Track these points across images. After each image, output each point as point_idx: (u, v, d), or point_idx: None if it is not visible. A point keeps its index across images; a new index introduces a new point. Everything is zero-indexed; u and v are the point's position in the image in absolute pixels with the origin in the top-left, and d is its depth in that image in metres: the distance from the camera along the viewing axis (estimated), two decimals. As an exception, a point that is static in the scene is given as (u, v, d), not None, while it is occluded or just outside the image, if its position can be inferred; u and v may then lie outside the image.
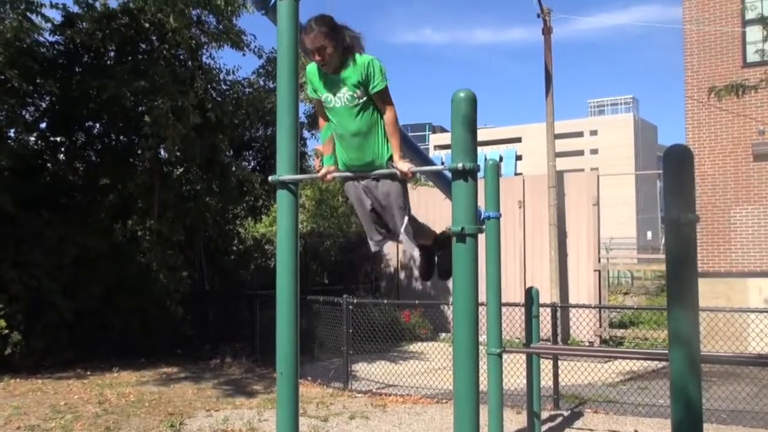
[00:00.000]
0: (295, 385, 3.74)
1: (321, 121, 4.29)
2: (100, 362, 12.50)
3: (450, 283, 3.49)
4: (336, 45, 3.89)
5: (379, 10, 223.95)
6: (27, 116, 13.24)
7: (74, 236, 12.32)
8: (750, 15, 13.93)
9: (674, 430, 3.11)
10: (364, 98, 3.98)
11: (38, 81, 12.46)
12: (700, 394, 3.08)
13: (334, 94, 4.03)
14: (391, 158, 4.05)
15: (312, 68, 4.14)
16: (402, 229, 4.16)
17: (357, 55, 3.98)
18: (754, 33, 13.81)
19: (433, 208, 16.53)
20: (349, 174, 4.16)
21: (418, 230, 4.40)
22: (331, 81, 4.02)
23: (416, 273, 17.69)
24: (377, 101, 4.01)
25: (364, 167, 4.10)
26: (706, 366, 10.38)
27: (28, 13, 12.12)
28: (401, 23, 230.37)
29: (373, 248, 4.46)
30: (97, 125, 14.12)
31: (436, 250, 4.73)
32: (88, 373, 11.76)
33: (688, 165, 3.18)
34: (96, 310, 12.79)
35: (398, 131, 4.05)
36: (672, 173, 3.16)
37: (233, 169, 14.62)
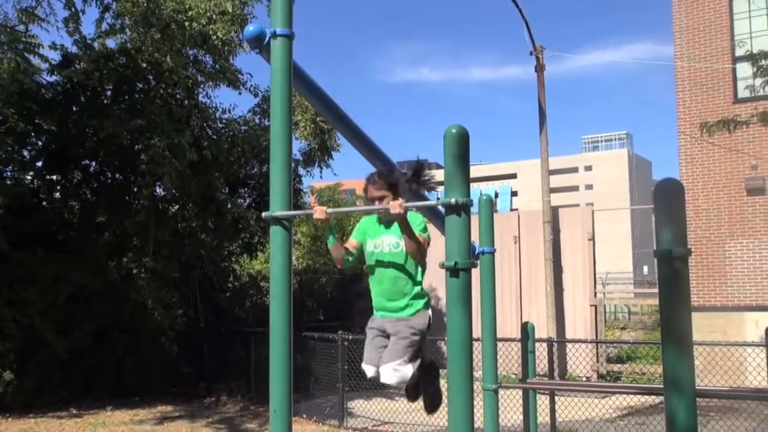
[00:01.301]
0: (288, 422, 3.70)
1: (345, 245, 4.52)
2: (94, 401, 12.38)
3: (445, 318, 3.48)
4: (395, 195, 4.25)
5: (378, 49, 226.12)
6: (24, 155, 13.29)
7: (69, 274, 12.29)
8: (739, 52, 14.09)
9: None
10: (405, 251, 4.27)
11: (36, 121, 12.54)
12: (695, 429, 3.06)
13: (380, 239, 4.37)
14: (418, 299, 4.35)
15: (368, 221, 4.54)
16: (389, 364, 4.26)
17: (411, 213, 4.26)
18: (744, 69, 13.98)
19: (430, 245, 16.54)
20: (344, 209, 4.32)
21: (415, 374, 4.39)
22: (382, 231, 4.39)
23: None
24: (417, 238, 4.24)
25: (395, 313, 4.37)
26: (704, 401, 10.31)
27: (26, 54, 12.24)
28: (400, 62, 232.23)
29: (368, 375, 4.52)
30: (93, 163, 14.17)
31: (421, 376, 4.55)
32: (81, 412, 11.65)
33: (679, 198, 3.19)
34: (90, 349, 12.71)
35: (415, 242, 4.21)
36: (663, 207, 3.17)
37: (229, 206, 14.64)
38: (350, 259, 4.49)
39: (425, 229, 4.35)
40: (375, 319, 4.52)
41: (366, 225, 4.52)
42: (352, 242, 4.54)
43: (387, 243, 4.37)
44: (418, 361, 4.35)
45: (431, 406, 4.68)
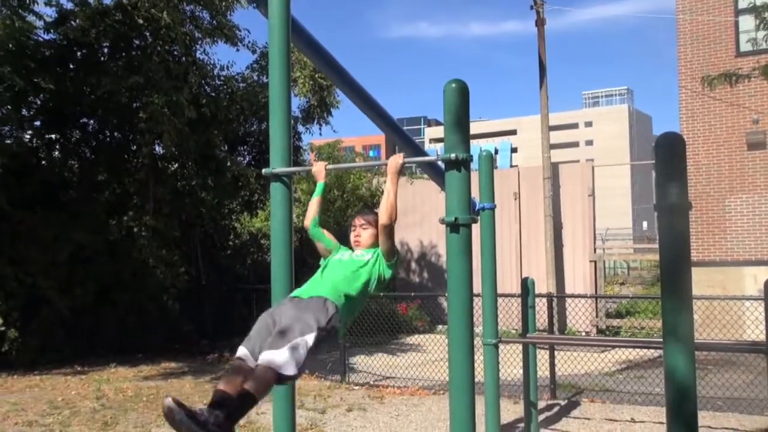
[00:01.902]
0: (291, 378, 3.73)
1: (316, 204, 4.24)
2: (98, 358, 12.50)
3: (446, 275, 3.49)
4: (375, 235, 3.92)
5: (375, 4, 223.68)
6: (23, 113, 13.22)
7: (69, 233, 12.31)
8: (742, 4, 13.93)
9: (669, 419, 3.12)
10: (367, 261, 3.89)
11: (34, 79, 12.44)
12: (694, 382, 3.09)
13: (347, 253, 4.00)
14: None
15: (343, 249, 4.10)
16: (278, 348, 3.42)
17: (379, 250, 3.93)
18: (747, 22, 13.82)
19: (429, 201, 16.57)
20: (345, 165, 4.24)
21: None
22: (350, 252, 4.00)
23: (413, 266, 17.73)
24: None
25: (309, 293, 3.75)
26: (702, 354, 10.41)
27: (20, 11, 12.10)
28: (397, 17, 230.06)
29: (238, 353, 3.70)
30: (92, 122, 14.09)
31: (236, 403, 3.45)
32: (86, 369, 11.76)
33: (680, 152, 3.18)
34: (92, 307, 12.79)
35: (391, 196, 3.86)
36: (664, 161, 3.16)
37: (228, 164, 14.60)
38: (317, 231, 4.16)
39: (398, 256, 3.99)
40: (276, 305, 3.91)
41: (342, 247, 4.12)
42: (330, 235, 4.20)
43: (349, 256, 3.98)
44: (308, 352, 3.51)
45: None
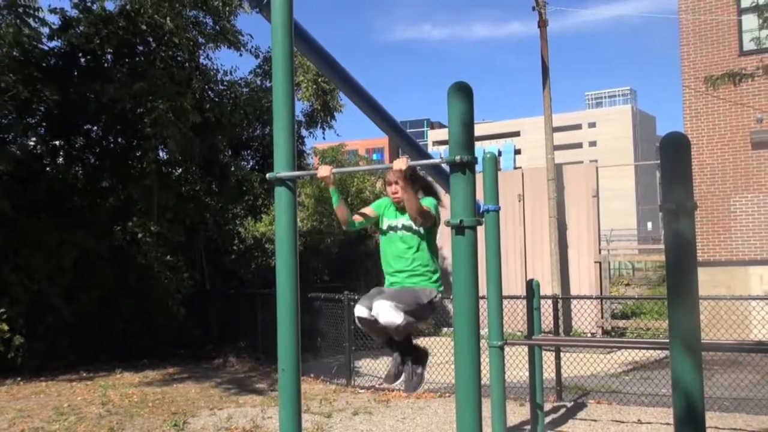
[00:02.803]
0: (297, 381, 3.73)
1: (354, 215, 4.62)
2: (103, 364, 12.51)
3: (451, 277, 3.49)
4: (408, 186, 4.18)
5: (378, 7, 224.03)
6: (27, 121, 13.25)
7: (74, 239, 12.33)
8: (745, 3, 13.91)
9: (676, 420, 3.11)
10: (420, 230, 4.41)
11: (38, 87, 12.48)
12: (701, 383, 3.08)
13: (395, 220, 4.49)
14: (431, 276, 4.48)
15: (387, 200, 4.65)
16: (383, 303, 4.24)
17: (425, 199, 4.43)
18: (750, 21, 13.80)
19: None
20: (348, 169, 4.30)
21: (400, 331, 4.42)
22: (398, 214, 4.49)
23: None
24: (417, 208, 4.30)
25: (406, 280, 4.46)
26: (708, 354, 10.38)
27: (25, 18, 12.14)
28: (401, 19, 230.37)
29: (358, 314, 4.50)
30: (96, 128, 14.12)
31: (408, 356, 4.69)
32: (91, 374, 11.77)
33: (685, 152, 3.17)
34: (97, 313, 12.81)
35: (416, 200, 4.27)
36: (669, 161, 3.15)
37: (232, 168, 14.63)
38: (358, 224, 4.60)
39: (435, 207, 4.45)
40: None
41: (385, 205, 4.62)
42: (369, 210, 4.65)
43: (400, 222, 4.48)
44: (411, 319, 4.34)
45: (411, 385, 4.76)
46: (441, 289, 4.47)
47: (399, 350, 4.62)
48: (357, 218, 4.58)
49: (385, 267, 4.57)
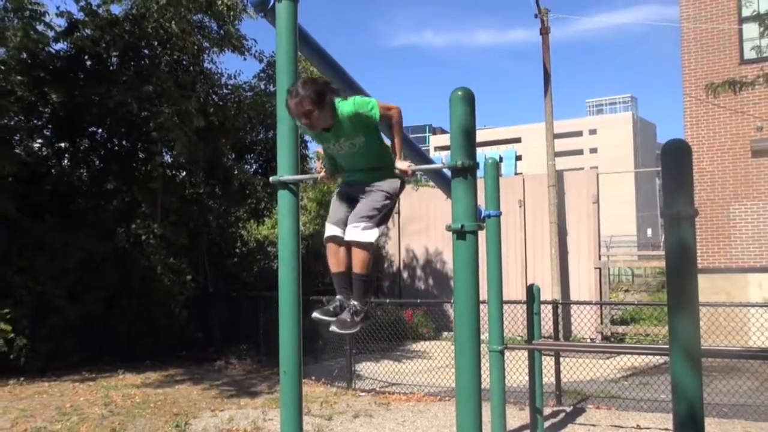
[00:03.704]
0: (298, 384, 3.73)
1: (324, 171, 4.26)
2: (106, 365, 12.51)
3: (452, 282, 3.48)
4: (322, 107, 3.74)
5: (381, 13, 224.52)
6: (33, 123, 13.27)
7: (78, 241, 12.33)
8: (746, 12, 13.92)
9: (676, 425, 3.10)
10: (364, 139, 3.92)
11: (44, 89, 12.50)
12: (700, 389, 3.07)
13: (335, 144, 3.96)
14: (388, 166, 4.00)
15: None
16: (355, 223, 3.93)
17: (341, 107, 3.85)
18: (751, 30, 13.80)
19: (434, 208, 16.57)
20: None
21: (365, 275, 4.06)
22: (330, 136, 3.93)
23: (419, 272, 17.70)
24: (381, 122, 3.93)
25: (365, 179, 4.06)
26: (708, 360, 10.37)
27: (32, 21, 12.16)
28: (403, 26, 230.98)
29: (326, 233, 4.16)
30: (100, 131, 14.13)
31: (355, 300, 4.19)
32: (94, 375, 11.76)
33: (686, 159, 3.17)
34: (101, 314, 12.80)
35: (402, 131, 4.00)
36: (670, 168, 3.15)
37: (235, 172, 14.63)
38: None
39: (369, 105, 3.87)
40: (343, 185, 4.22)
41: (317, 137, 4.08)
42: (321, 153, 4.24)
43: (343, 146, 3.97)
44: (383, 226, 4.05)
45: (345, 327, 4.21)
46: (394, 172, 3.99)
47: (348, 291, 4.21)
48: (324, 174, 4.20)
49: (346, 176, 4.18)
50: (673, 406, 3.10)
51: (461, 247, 3.32)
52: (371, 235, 3.94)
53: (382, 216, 3.99)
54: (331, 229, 4.08)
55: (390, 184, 4.01)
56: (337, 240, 4.06)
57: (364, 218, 3.93)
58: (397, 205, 4.32)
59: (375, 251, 4.84)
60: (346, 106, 3.84)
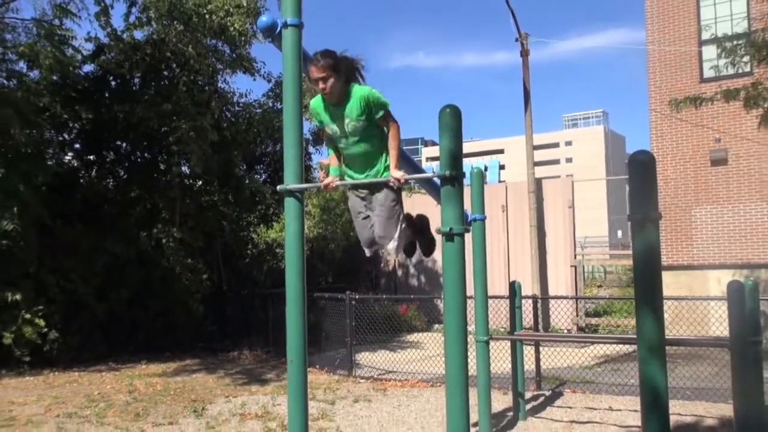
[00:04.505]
0: (304, 372, 3.74)
1: (331, 159, 4.36)
2: (130, 356, 12.48)
3: (441, 279, 3.50)
4: (338, 77, 3.92)
5: (378, 36, 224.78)
6: (64, 137, 13.28)
7: (105, 244, 12.32)
8: (705, 35, 13.96)
9: (643, 407, 3.11)
10: (367, 125, 4.02)
11: (76, 107, 12.51)
12: (665, 374, 3.08)
13: (339, 126, 4.06)
14: (388, 168, 4.08)
15: (316, 103, 4.16)
16: (391, 242, 4.20)
17: (356, 88, 3.99)
18: (710, 51, 13.84)
19: (426, 213, 16.55)
20: (348, 182, 4.20)
21: (408, 233, 4.41)
22: (335, 114, 4.06)
23: (412, 270, 17.69)
24: (382, 124, 4.05)
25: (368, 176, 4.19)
26: (672, 349, 10.38)
27: (61, 46, 12.17)
28: (398, 48, 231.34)
29: (368, 254, 4.53)
30: (125, 144, 14.12)
31: (417, 235, 4.73)
32: (119, 365, 11.74)
33: (651, 168, 3.18)
34: (126, 310, 12.78)
35: (399, 146, 4.05)
36: (636, 176, 3.17)
37: (246, 181, 14.62)
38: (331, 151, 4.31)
39: (376, 97, 3.96)
40: (351, 195, 4.33)
41: (318, 112, 4.18)
42: (326, 137, 4.30)
43: (343, 126, 4.06)
44: (405, 222, 4.28)
45: (427, 251, 4.78)
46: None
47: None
48: (333, 160, 4.27)
49: (347, 170, 4.24)
50: (641, 390, 3.11)
51: (450, 248, 3.33)
52: (402, 241, 4.26)
53: (397, 216, 4.17)
54: (368, 252, 4.47)
55: (391, 190, 4.13)
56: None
57: (392, 237, 4.17)
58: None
59: (374, 253, 5.03)
60: (361, 89, 4.00)
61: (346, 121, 4.01)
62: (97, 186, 13.61)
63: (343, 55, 4.00)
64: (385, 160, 4.09)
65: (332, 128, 4.11)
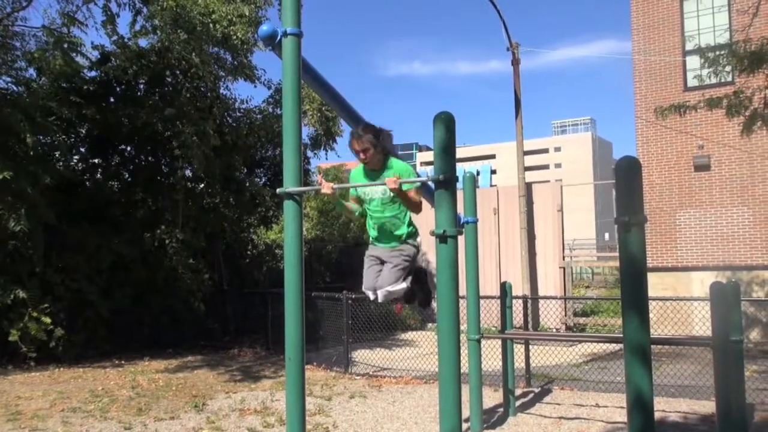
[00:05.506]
0: (302, 369, 3.73)
1: (349, 202, 4.73)
2: (134, 353, 12.44)
3: (435, 279, 3.49)
4: (376, 149, 4.35)
5: (376, 45, 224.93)
6: (71, 141, 13.24)
7: (110, 244, 12.29)
8: (689, 46, 13.99)
9: (629, 404, 3.11)
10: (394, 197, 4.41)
11: (83, 112, 12.49)
12: (650, 372, 3.08)
13: (372, 189, 4.48)
14: (410, 235, 4.56)
15: (356, 171, 4.61)
16: (385, 289, 4.49)
17: (396, 162, 4.44)
18: (693, 61, 13.89)
19: (420, 215, 16.54)
20: (347, 185, 4.34)
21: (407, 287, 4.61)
22: (371, 178, 4.45)
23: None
24: (410, 192, 4.34)
25: (390, 244, 4.57)
26: (657, 347, 10.39)
27: (69, 53, 12.15)
28: (394, 57, 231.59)
29: (371, 296, 4.69)
30: (129, 148, 14.09)
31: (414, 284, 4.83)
32: (123, 362, 11.70)
33: (637, 173, 3.19)
34: (130, 308, 12.75)
35: (417, 197, 4.37)
36: (623, 180, 3.17)
37: (247, 184, 14.61)
38: (357, 212, 4.70)
39: (412, 173, 4.45)
40: (372, 248, 4.67)
41: (355, 177, 4.60)
42: (352, 198, 4.70)
43: (375, 191, 4.47)
44: (410, 278, 4.54)
45: (425, 303, 4.95)
46: (418, 242, 4.62)
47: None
48: (356, 206, 4.67)
49: (372, 233, 4.65)
50: (627, 387, 3.11)
51: (443, 249, 3.33)
52: (399, 291, 4.50)
53: (406, 274, 4.51)
54: (369, 294, 4.67)
55: (409, 250, 4.54)
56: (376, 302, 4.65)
57: (391, 284, 4.47)
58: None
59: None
60: (401, 164, 4.47)
61: (381, 187, 4.38)
62: (103, 188, 13.58)
63: (380, 128, 4.45)
64: (408, 227, 4.52)
65: (365, 191, 4.51)
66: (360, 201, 4.63)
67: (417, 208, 4.38)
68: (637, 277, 3.10)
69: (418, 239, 4.63)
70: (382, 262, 4.57)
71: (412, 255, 4.53)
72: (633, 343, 3.07)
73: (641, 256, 3.12)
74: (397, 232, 4.51)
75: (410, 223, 4.55)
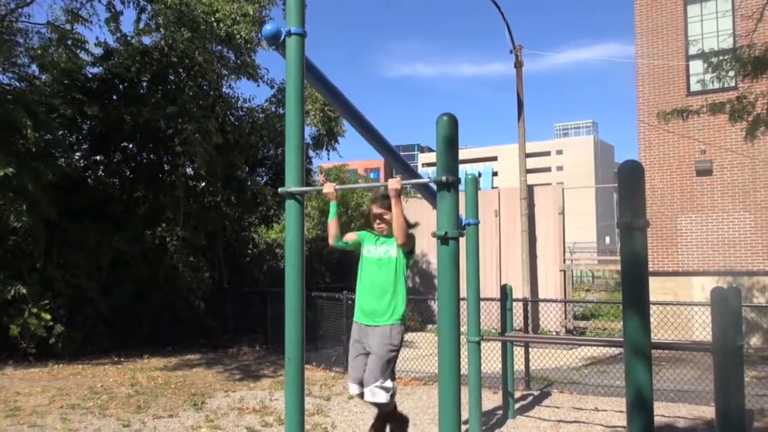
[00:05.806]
0: (301, 369, 3.72)
1: (335, 225, 4.70)
2: (133, 350, 12.44)
3: (436, 281, 3.49)
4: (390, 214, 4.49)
5: (380, 47, 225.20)
6: (73, 138, 13.25)
7: (111, 241, 12.29)
8: (692, 50, 13.99)
9: (629, 408, 3.10)
10: (395, 257, 4.60)
11: (85, 110, 12.49)
12: (650, 377, 3.08)
13: (375, 246, 4.68)
14: (395, 316, 4.62)
15: (370, 234, 4.82)
16: (372, 385, 4.47)
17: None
18: (697, 66, 13.87)
19: (422, 217, 16.55)
20: (349, 186, 4.35)
21: (389, 405, 4.61)
22: (380, 241, 4.70)
23: (407, 272, 17.63)
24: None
25: (375, 319, 4.62)
26: (657, 352, 10.37)
27: (73, 49, 12.16)
28: (398, 58, 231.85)
29: (356, 390, 4.69)
30: (131, 145, 14.10)
31: (391, 422, 4.84)
32: (122, 359, 11.70)
33: (639, 177, 3.18)
34: (129, 306, 12.75)
35: (401, 216, 4.38)
36: (625, 184, 3.16)
37: (248, 183, 14.61)
38: (342, 243, 4.75)
39: (413, 238, 4.61)
40: (356, 328, 4.73)
41: (366, 234, 4.80)
42: (353, 235, 4.84)
43: (379, 250, 4.67)
44: (395, 382, 4.57)
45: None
46: (401, 320, 4.64)
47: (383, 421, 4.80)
48: (346, 237, 4.75)
49: (360, 297, 4.70)
50: (626, 391, 3.11)
51: (444, 251, 3.32)
52: (386, 395, 4.49)
53: (391, 369, 4.55)
54: (353, 389, 4.70)
55: (395, 338, 4.57)
56: (362, 397, 4.64)
57: (378, 379, 4.46)
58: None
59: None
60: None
61: (384, 248, 4.64)
62: (105, 185, 13.59)
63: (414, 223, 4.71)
64: (398, 307, 4.59)
65: (369, 248, 4.70)
66: (357, 243, 4.76)
67: (400, 232, 4.39)
68: (638, 281, 3.10)
69: (403, 326, 4.68)
70: (368, 353, 4.60)
71: (397, 344, 4.58)
72: (633, 346, 3.06)
73: (643, 260, 3.12)
74: (385, 302, 4.57)
75: (402, 295, 4.62)
